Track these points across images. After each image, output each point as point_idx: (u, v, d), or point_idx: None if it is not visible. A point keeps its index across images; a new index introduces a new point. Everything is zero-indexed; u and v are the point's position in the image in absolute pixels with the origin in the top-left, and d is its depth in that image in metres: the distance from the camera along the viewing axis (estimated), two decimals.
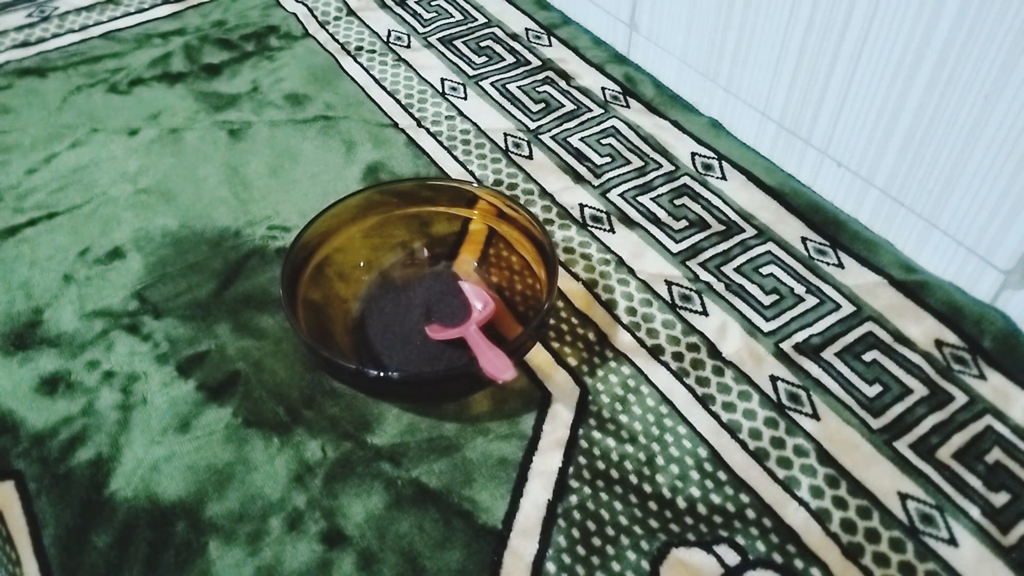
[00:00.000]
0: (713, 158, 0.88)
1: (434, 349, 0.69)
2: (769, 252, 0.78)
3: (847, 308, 0.73)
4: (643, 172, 0.87)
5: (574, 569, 0.57)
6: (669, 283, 0.76)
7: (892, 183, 0.76)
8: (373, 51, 1.05)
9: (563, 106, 0.96)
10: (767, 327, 0.72)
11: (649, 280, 0.76)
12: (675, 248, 0.79)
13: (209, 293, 0.76)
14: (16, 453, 0.64)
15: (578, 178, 0.87)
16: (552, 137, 0.92)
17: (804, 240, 0.79)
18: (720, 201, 0.83)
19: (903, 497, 0.61)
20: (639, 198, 0.84)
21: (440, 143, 0.91)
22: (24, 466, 0.63)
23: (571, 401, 0.67)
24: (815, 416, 0.66)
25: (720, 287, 0.75)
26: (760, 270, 0.77)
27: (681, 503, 0.61)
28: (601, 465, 0.63)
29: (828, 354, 0.70)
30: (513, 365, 0.63)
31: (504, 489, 0.61)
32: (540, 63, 1.02)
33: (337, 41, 1.07)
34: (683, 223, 0.81)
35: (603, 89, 0.98)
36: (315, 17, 1.11)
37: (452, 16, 1.11)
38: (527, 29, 1.08)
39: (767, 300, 0.74)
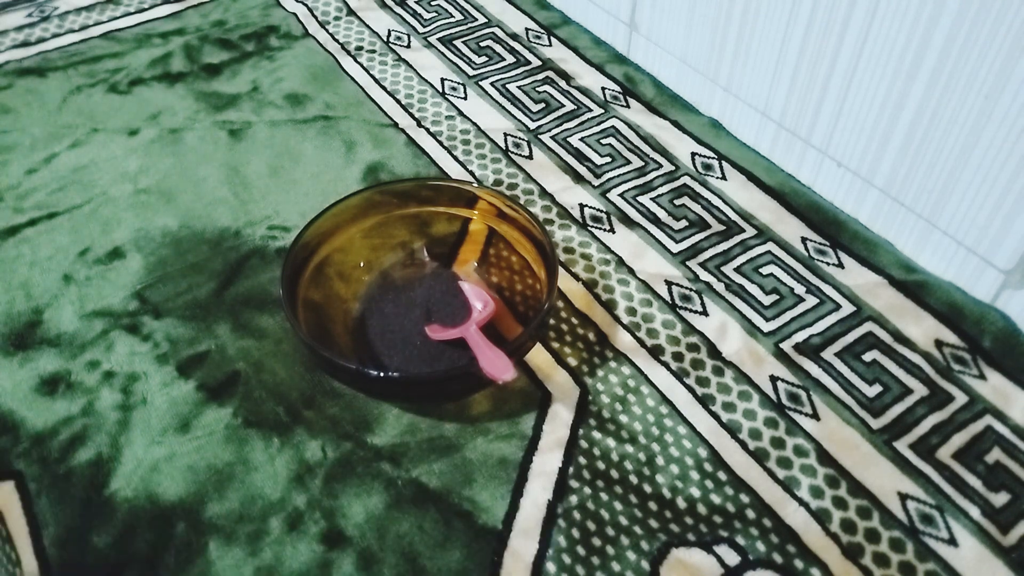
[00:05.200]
0: (713, 158, 0.88)
1: (434, 349, 0.69)
2: (769, 252, 0.78)
3: (847, 308, 0.73)
4: (643, 172, 0.87)
5: (574, 569, 0.57)
6: (669, 283, 0.76)
7: (892, 183, 0.76)
8: (373, 51, 1.05)
9: (563, 106, 0.96)
10: (767, 327, 0.72)
11: (649, 280, 0.76)
12: (675, 248, 0.79)
13: (209, 293, 0.76)
14: (16, 453, 0.64)
15: (578, 178, 0.87)
16: (552, 137, 0.92)
17: (804, 240, 0.79)
18: (720, 201, 0.83)
19: (903, 497, 0.61)
20: (639, 198, 0.84)
21: (440, 143, 0.91)
22: (24, 466, 0.63)
23: (571, 401, 0.67)
24: (815, 416, 0.66)
25: (720, 287, 0.75)
26: (760, 270, 0.77)
27: (681, 503, 0.61)
28: (601, 465, 0.63)
29: (828, 354, 0.70)
30: (513, 365, 0.63)
31: (504, 489, 0.61)
32: (540, 63, 1.02)
33: (337, 41, 1.07)
34: (683, 223, 0.81)
35: (603, 89, 0.98)
36: (315, 17, 1.11)
37: (452, 16, 1.11)
38: (527, 29, 1.08)
39: (767, 300, 0.74)
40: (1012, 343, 0.70)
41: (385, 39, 1.07)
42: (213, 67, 1.02)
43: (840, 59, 0.75)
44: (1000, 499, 0.61)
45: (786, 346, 0.71)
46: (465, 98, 0.97)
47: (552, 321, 0.73)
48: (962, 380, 0.68)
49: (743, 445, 0.64)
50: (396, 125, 0.94)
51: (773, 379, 0.68)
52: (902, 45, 0.69)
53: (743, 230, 0.80)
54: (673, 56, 0.95)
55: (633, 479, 0.62)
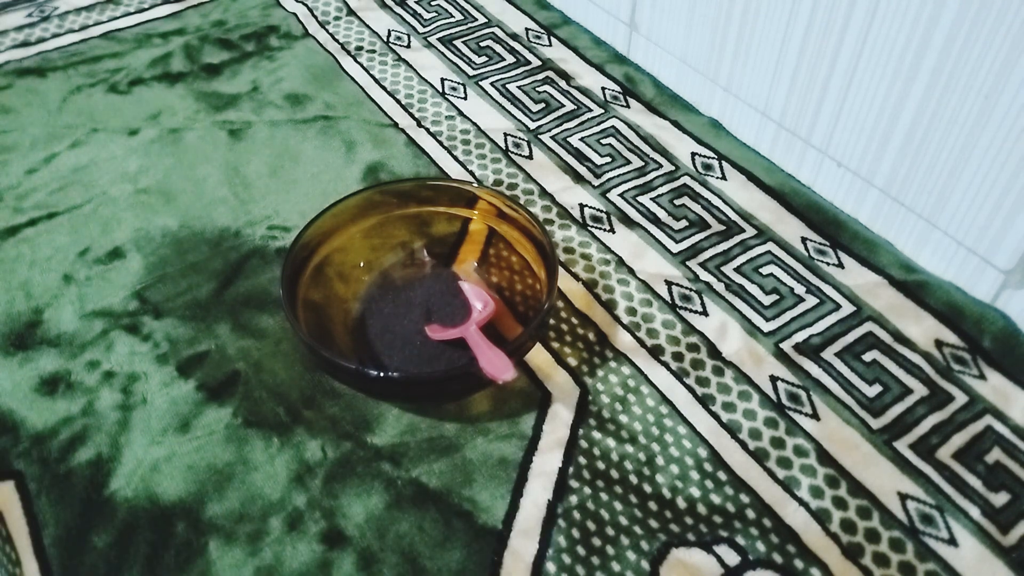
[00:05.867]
0: (713, 158, 0.88)
1: (434, 349, 0.69)
2: (769, 252, 0.78)
3: (847, 308, 0.73)
4: (643, 172, 0.87)
5: (574, 569, 0.57)
6: (669, 283, 0.76)
7: (892, 183, 0.76)
8: (373, 51, 1.05)
9: (563, 106, 0.96)
10: (767, 327, 0.72)
11: (649, 280, 0.76)
12: (675, 248, 0.79)
13: (209, 293, 0.76)
14: (16, 453, 0.64)
15: (578, 178, 0.87)
16: (552, 137, 0.92)
17: (804, 240, 0.79)
18: (720, 201, 0.83)
19: (903, 497, 0.61)
20: (639, 198, 0.84)
21: (440, 143, 0.91)
22: (24, 466, 0.63)
23: (571, 401, 0.67)
24: (815, 416, 0.66)
25: (720, 287, 0.75)
26: (760, 270, 0.77)
27: (681, 503, 0.61)
28: (601, 465, 0.63)
29: (828, 354, 0.70)
30: (513, 365, 0.63)
31: (504, 489, 0.61)
32: (540, 63, 1.02)
33: (337, 41, 1.07)
34: (683, 223, 0.81)
35: (603, 89, 0.98)
36: (315, 17, 1.11)
37: (452, 16, 1.11)
38: (527, 29, 1.08)
39: (767, 300, 0.74)
40: (1012, 343, 0.70)
41: (385, 39, 1.07)
42: (213, 67, 1.02)
43: (840, 59, 0.75)
44: (1000, 499, 0.61)
45: (786, 346, 0.71)
46: (465, 98, 0.97)
47: (552, 321, 0.73)
48: (962, 380, 0.68)
49: (743, 445, 0.64)
50: (396, 125, 0.94)
51: (773, 379, 0.68)
52: (902, 45, 0.69)
53: (743, 230, 0.80)
54: (673, 56, 0.95)
55: (633, 479, 0.62)
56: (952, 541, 0.59)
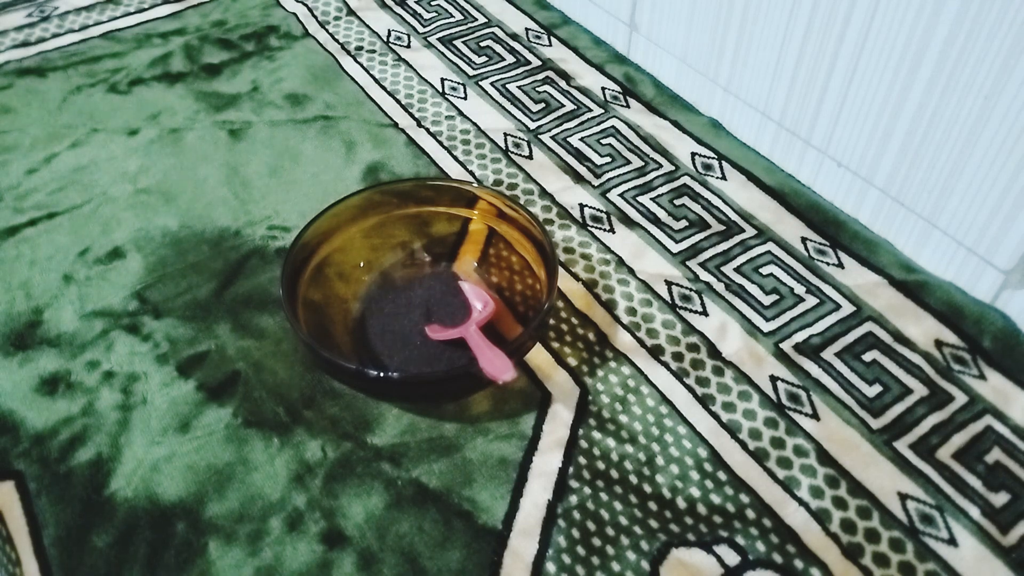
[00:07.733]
0: (713, 158, 0.88)
1: (434, 349, 0.69)
2: (769, 252, 0.78)
3: (847, 308, 0.73)
4: (643, 172, 0.87)
5: (574, 569, 0.57)
6: (669, 283, 0.76)
7: (892, 183, 0.76)
8: (373, 51, 1.05)
9: (563, 106, 0.96)
10: (767, 327, 0.72)
11: (649, 280, 0.76)
12: (675, 248, 0.79)
13: (209, 293, 0.76)
14: (16, 453, 0.64)
15: (578, 178, 0.87)
16: (552, 137, 0.92)
17: (804, 240, 0.79)
18: (720, 201, 0.83)
19: (903, 497, 0.61)
20: (639, 198, 0.84)
21: (440, 143, 0.91)
22: (24, 466, 0.63)
23: (571, 401, 0.67)
24: (815, 416, 0.66)
25: (720, 287, 0.75)
26: (760, 270, 0.77)
27: (681, 503, 0.61)
28: (601, 465, 0.63)
29: (828, 354, 0.70)
30: (513, 365, 0.63)
31: (504, 489, 0.61)
32: (540, 63, 1.02)
33: (337, 41, 1.07)
34: (683, 223, 0.81)
35: (603, 89, 0.98)
36: (315, 17, 1.11)
37: (452, 16, 1.11)
38: (527, 29, 1.08)
39: (767, 300, 0.74)
40: (1012, 343, 0.70)
41: (385, 39, 1.07)
42: (213, 67, 1.02)
43: (840, 59, 0.75)
44: (1000, 499, 0.61)
45: (786, 346, 0.71)
46: (465, 98, 0.97)
47: (552, 321, 0.73)
48: (962, 380, 0.68)
49: (743, 445, 0.64)
50: (396, 125, 0.94)
51: (773, 379, 0.68)
52: (902, 45, 0.69)
53: (743, 230, 0.80)
54: (673, 56, 0.95)
55: (633, 479, 0.62)
56: (952, 541, 0.59)
